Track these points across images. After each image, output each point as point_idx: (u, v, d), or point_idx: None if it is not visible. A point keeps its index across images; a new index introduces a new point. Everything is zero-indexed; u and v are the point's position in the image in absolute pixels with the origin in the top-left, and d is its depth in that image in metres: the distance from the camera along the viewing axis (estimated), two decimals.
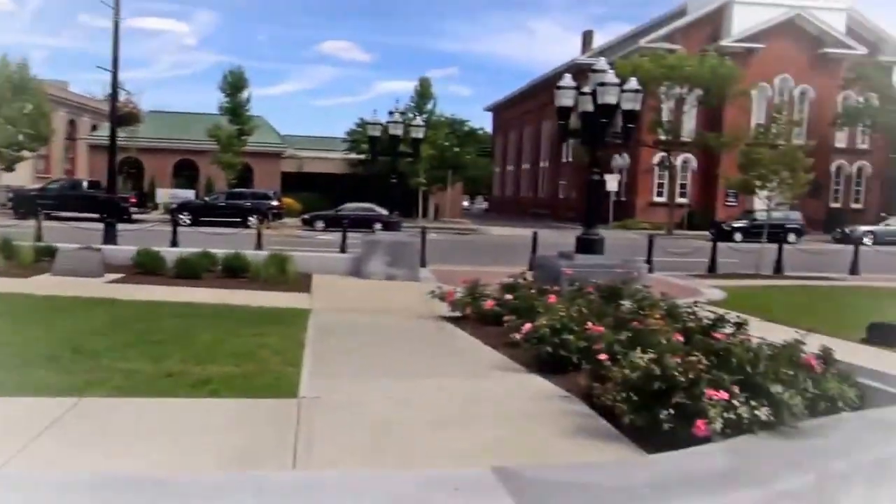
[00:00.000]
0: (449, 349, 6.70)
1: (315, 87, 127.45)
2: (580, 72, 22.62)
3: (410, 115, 29.32)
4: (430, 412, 4.55)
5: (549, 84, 36.84)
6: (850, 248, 19.21)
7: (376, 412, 4.48)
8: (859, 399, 4.46)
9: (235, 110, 38.29)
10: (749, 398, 3.62)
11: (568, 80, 10.71)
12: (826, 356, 4.69)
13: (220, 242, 13.81)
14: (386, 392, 4.96)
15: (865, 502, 3.23)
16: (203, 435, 3.88)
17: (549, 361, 5.67)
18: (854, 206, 46.00)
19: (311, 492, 2.64)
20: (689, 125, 41.80)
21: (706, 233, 31.16)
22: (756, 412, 3.53)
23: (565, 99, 10.51)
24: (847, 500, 3.15)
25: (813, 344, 4.69)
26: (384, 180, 21.54)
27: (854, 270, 17.65)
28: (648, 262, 16.55)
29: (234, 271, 11.38)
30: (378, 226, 24.02)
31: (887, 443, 3.46)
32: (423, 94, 44.02)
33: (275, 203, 34.84)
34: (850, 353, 6.66)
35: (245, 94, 38.51)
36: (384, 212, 27.25)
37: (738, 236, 31.50)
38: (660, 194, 43.78)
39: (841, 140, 45.63)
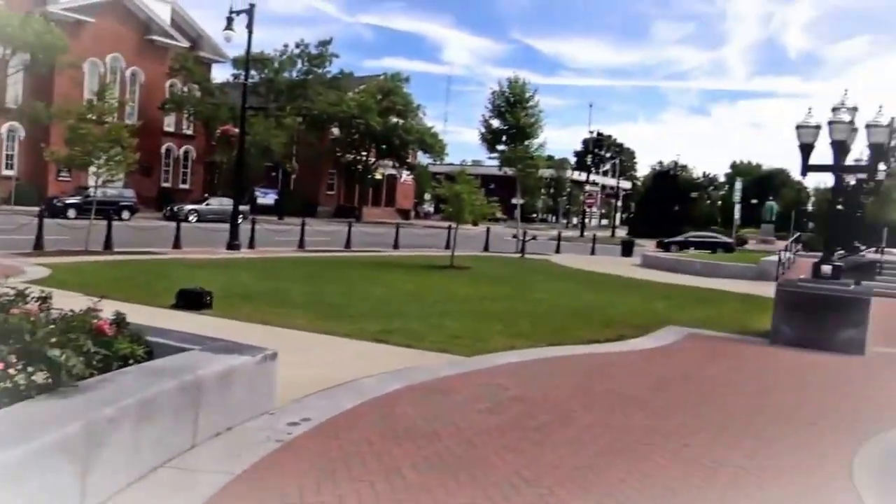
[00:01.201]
0: None
1: None
2: None
3: None
4: None
5: None
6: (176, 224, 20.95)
7: None
8: (149, 354, 5.11)
9: None
10: (27, 365, 3.78)
11: None
12: (119, 321, 5.18)
13: None
14: None
15: (131, 436, 3.80)
16: None
17: None
18: (182, 186, 49.90)
19: None
20: (15, 91, 38.28)
21: (38, 208, 29.33)
22: (33, 377, 3.71)
23: None
24: (114, 436, 3.64)
25: (114, 310, 5.12)
26: None
27: (177, 244, 19.35)
28: None
29: None
30: None
31: (150, 386, 4.11)
32: None
33: None
34: (156, 316, 7.47)
35: None
36: None
37: (71, 213, 30.63)
38: None
39: (170, 124, 48.84)
